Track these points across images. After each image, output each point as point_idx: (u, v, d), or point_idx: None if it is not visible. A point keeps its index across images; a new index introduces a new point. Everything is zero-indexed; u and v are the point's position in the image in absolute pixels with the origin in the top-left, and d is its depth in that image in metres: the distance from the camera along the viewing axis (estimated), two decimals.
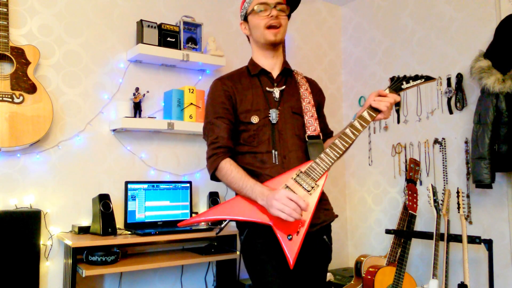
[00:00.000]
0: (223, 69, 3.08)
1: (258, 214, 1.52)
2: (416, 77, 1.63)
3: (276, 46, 1.71)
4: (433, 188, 2.67)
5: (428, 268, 3.04)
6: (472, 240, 2.50)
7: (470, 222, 2.87)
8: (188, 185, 2.87)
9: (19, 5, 2.51)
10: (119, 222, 2.64)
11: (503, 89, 2.52)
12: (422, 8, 3.25)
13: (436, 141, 3.09)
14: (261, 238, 1.59)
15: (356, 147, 3.69)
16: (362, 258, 2.92)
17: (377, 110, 1.58)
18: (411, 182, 2.84)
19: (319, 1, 3.84)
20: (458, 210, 2.59)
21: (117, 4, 2.84)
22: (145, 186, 2.70)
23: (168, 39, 2.81)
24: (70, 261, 2.27)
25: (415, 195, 2.78)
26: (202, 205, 3.04)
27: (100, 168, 2.71)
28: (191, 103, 2.81)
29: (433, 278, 2.46)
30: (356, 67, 3.78)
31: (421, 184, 3.16)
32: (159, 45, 2.77)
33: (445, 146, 3.04)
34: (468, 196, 2.88)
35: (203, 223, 2.83)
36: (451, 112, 3.01)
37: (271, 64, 1.74)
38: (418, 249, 3.19)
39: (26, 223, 2.33)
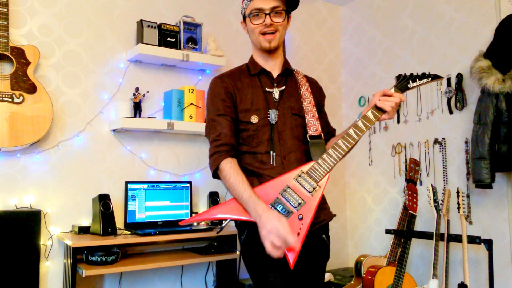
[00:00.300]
0: (223, 69, 3.08)
1: None
2: (423, 76, 1.60)
3: (272, 51, 1.69)
4: (433, 188, 2.67)
5: (428, 268, 3.04)
6: (472, 240, 2.50)
7: (470, 222, 2.87)
8: (188, 185, 2.87)
9: (19, 5, 2.51)
10: (119, 222, 2.64)
11: (503, 89, 2.52)
12: (422, 8, 3.25)
13: (436, 141, 3.09)
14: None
15: (356, 147, 3.64)
16: (362, 258, 2.92)
17: (381, 110, 1.56)
18: (411, 182, 2.84)
19: (319, 1, 3.84)
20: (458, 210, 2.59)
21: (117, 4, 2.84)
22: (145, 186, 2.70)
23: (168, 39, 2.81)
24: (70, 261, 2.27)
25: (415, 195, 2.78)
26: (202, 205, 3.04)
27: (100, 168, 2.71)
28: (191, 103, 2.81)
29: (433, 278, 2.46)
30: (356, 67, 3.78)
31: (421, 184, 3.16)
32: (159, 45, 2.77)
33: (445, 146, 3.04)
34: (468, 196, 2.88)
35: (203, 222, 2.84)
36: (451, 112, 3.01)
37: (271, 65, 1.73)
38: (418, 249, 3.19)
39: (26, 223, 2.33)
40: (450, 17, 3.06)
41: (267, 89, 1.69)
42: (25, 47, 2.39)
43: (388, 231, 2.91)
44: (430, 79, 1.60)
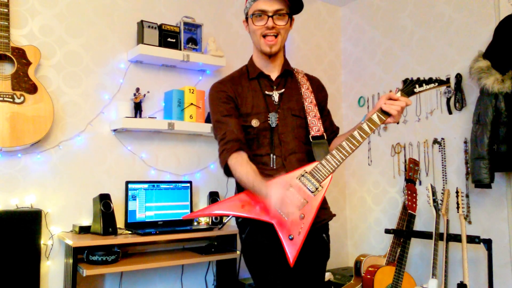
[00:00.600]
0: (223, 69, 3.09)
1: (260, 212, 1.53)
2: (430, 81, 1.60)
3: (273, 55, 1.68)
4: (433, 188, 2.68)
5: (427, 267, 3.05)
6: (472, 239, 2.51)
7: (470, 222, 2.88)
8: (188, 185, 2.87)
9: (20, 5, 2.51)
10: (120, 222, 2.65)
11: (502, 89, 2.53)
12: (422, 9, 3.26)
13: (435, 141, 3.10)
14: (262, 236, 1.59)
15: None
16: (361, 258, 2.93)
17: (387, 114, 1.56)
18: (411, 182, 2.85)
19: (319, 2, 3.85)
20: (458, 210, 2.60)
21: (118, 4, 2.84)
22: (146, 186, 2.71)
23: (169, 39, 2.82)
24: (71, 260, 2.28)
25: (414, 195, 2.78)
26: (202, 205, 3.04)
27: (101, 168, 2.72)
28: (192, 103, 2.82)
29: (432, 277, 2.47)
30: (356, 67, 3.79)
31: (420, 184, 3.16)
32: (160, 45, 2.78)
33: (444, 146, 3.05)
34: (467, 196, 2.89)
35: (203, 222, 2.85)
36: (450, 112, 3.02)
37: (270, 67, 1.72)
38: (418, 248, 3.20)
39: (27, 223, 2.34)
40: (450, 18, 3.07)
41: (266, 92, 1.70)
42: (26, 48, 2.40)
43: (387, 231, 2.92)
44: (436, 84, 1.61)
